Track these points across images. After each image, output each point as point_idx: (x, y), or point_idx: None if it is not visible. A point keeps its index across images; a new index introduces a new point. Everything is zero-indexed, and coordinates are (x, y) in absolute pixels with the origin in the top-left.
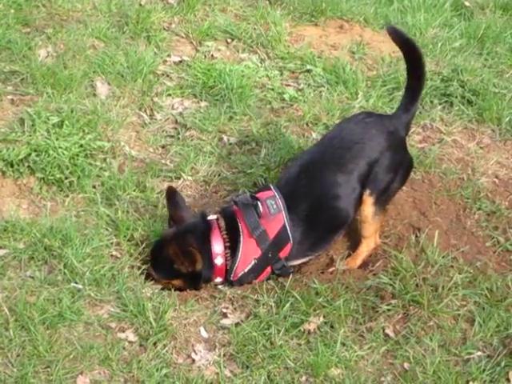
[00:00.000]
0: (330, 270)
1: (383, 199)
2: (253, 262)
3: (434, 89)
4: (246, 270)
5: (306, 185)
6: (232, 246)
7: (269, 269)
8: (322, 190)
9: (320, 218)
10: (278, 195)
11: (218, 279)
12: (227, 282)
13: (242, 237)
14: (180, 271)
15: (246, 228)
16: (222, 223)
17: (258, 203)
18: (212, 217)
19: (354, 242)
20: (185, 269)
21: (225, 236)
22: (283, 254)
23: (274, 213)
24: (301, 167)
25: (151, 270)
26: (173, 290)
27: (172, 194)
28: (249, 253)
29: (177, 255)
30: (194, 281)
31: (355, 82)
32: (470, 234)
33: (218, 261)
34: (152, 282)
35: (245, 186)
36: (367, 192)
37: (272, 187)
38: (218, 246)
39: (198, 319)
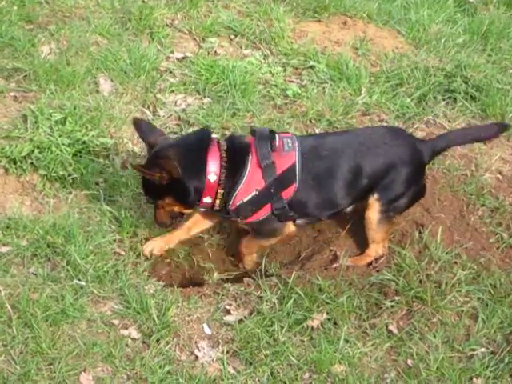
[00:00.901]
0: (334, 265)
1: (390, 210)
2: (253, 193)
3: (437, 85)
4: (245, 200)
5: (327, 152)
6: (234, 170)
7: (268, 206)
8: (337, 162)
9: (325, 183)
10: (296, 139)
11: (208, 199)
12: (226, 211)
13: (249, 164)
14: (162, 184)
15: (256, 156)
16: (224, 143)
17: (276, 136)
18: (215, 135)
19: (358, 239)
20: (162, 178)
21: (223, 155)
22: (286, 195)
23: (288, 150)
24: (331, 136)
25: (144, 195)
26: (176, 287)
27: (139, 123)
28: (252, 182)
29: (152, 165)
30: (184, 195)
31: (358, 78)
32: (474, 230)
33: (211, 177)
34: (155, 279)
35: None
36: (375, 196)
37: (292, 133)
38: (213, 163)
39: (201, 316)
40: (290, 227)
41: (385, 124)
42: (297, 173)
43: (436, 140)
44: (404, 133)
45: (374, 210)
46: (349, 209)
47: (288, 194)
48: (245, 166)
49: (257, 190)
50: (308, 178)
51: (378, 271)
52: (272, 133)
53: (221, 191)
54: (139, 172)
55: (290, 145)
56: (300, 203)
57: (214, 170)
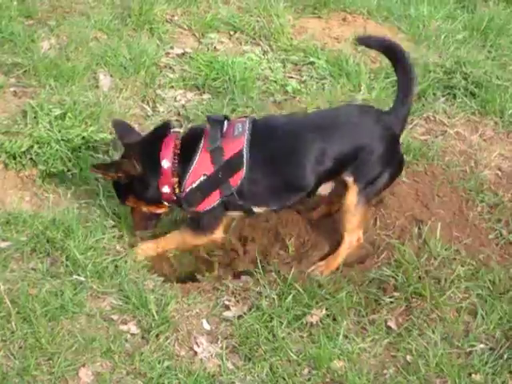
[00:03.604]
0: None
1: (369, 191)
2: (202, 178)
3: (436, 81)
4: (194, 186)
5: (285, 131)
6: (187, 156)
7: (217, 193)
8: (295, 145)
9: (280, 168)
10: (248, 122)
11: (165, 188)
12: (176, 200)
13: (199, 149)
14: (125, 184)
15: (206, 142)
16: (181, 133)
17: (225, 122)
18: (177, 129)
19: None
20: (119, 177)
21: (177, 142)
22: (234, 181)
23: (237, 135)
24: (289, 119)
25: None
26: (175, 283)
27: (118, 124)
28: (201, 167)
29: (110, 173)
30: (143, 191)
31: (358, 74)
32: (473, 226)
33: (165, 163)
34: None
35: None
36: (351, 178)
37: (249, 116)
38: (165, 150)
39: (201, 311)
40: (220, 232)
41: None
42: (244, 158)
43: (401, 104)
44: (372, 110)
45: (352, 193)
46: (323, 192)
47: (236, 180)
48: (195, 152)
49: (205, 174)
50: (260, 163)
51: (378, 267)
52: (227, 119)
53: (175, 179)
54: (99, 173)
55: (240, 129)
56: (252, 189)
57: (166, 157)
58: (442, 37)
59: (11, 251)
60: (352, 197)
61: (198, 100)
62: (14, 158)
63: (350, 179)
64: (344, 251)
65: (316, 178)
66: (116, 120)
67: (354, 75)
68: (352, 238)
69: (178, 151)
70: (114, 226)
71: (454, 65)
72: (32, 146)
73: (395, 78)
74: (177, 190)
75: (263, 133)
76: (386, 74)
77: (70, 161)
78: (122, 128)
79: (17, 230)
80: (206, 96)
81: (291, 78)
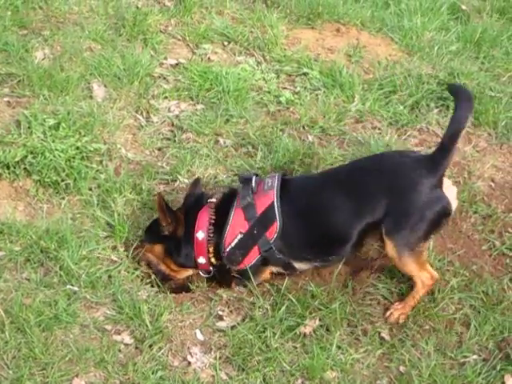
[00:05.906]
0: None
1: (408, 243)
2: (239, 236)
3: (430, 92)
4: (233, 245)
5: (318, 187)
6: (222, 219)
7: (256, 249)
8: (326, 202)
9: (317, 223)
10: (277, 177)
11: (202, 259)
12: (217, 263)
13: (234, 208)
14: (163, 234)
15: (238, 199)
16: (215, 200)
17: (253, 178)
18: (212, 200)
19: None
20: (167, 228)
21: (211, 212)
22: (270, 234)
23: (267, 189)
24: (323, 175)
25: (144, 235)
26: (168, 293)
27: (195, 182)
28: (237, 225)
29: (164, 215)
30: (174, 250)
31: (352, 86)
32: (466, 237)
33: (199, 235)
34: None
35: None
36: (384, 231)
37: (278, 173)
38: (202, 221)
39: (194, 322)
40: (266, 275)
41: (378, 131)
42: (276, 210)
43: (443, 149)
44: (403, 157)
45: (389, 247)
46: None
47: (272, 233)
48: (230, 211)
49: (241, 232)
50: (293, 215)
51: (372, 278)
52: (257, 176)
53: (211, 248)
54: (157, 203)
55: (269, 184)
56: (289, 242)
57: (201, 228)
58: (436, 48)
59: (5, 261)
60: (391, 251)
61: (191, 110)
62: (8, 168)
63: (383, 232)
64: (419, 292)
65: (356, 232)
66: (198, 179)
67: (347, 86)
68: (422, 278)
69: (213, 221)
70: (107, 237)
71: (447, 76)
72: (26, 156)
73: (389, 89)
74: (213, 260)
75: (295, 187)
76: (380, 85)
77: (63, 171)
78: (195, 187)
79: (10, 239)
80: (199, 106)
81: (285, 88)
